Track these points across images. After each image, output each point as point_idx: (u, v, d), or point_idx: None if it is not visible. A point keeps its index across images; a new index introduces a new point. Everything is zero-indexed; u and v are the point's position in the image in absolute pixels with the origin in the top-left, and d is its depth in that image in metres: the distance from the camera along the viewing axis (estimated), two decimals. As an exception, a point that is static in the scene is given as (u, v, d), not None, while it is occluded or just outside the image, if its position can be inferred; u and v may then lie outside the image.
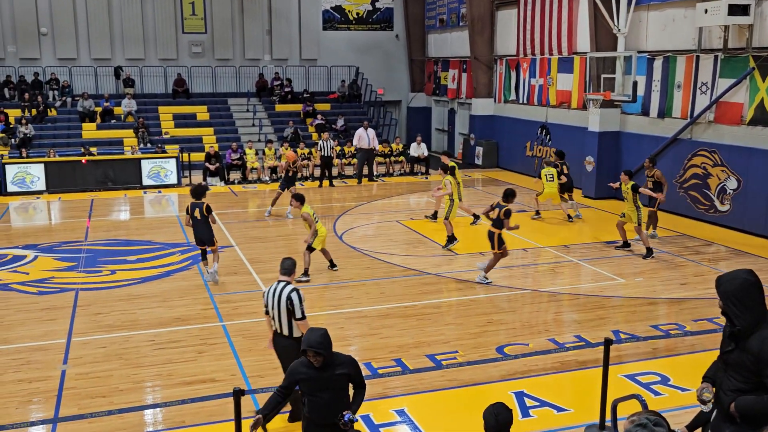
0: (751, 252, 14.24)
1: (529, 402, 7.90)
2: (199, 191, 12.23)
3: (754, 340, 4.53)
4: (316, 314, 10.68)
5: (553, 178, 17.14)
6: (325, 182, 22.32)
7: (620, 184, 14.27)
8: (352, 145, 24.41)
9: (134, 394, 8.11)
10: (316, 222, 12.50)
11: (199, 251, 12.65)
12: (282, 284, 7.42)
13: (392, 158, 24.80)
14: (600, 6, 18.19)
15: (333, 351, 5.46)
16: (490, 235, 12.20)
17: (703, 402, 4.81)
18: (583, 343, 9.56)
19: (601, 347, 7.28)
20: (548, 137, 22.88)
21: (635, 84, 17.28)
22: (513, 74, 24.92)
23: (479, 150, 26.28)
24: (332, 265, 13.01)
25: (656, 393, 8.08)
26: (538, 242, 15.08)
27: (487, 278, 12.26)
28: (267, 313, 7.41)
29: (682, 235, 15.69)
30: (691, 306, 11.11)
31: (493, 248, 12.18)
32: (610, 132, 19.45)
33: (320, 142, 22.57)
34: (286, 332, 7.32)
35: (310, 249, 12.51)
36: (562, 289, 12.07)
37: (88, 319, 10.47)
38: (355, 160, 24.32)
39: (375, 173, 23.65)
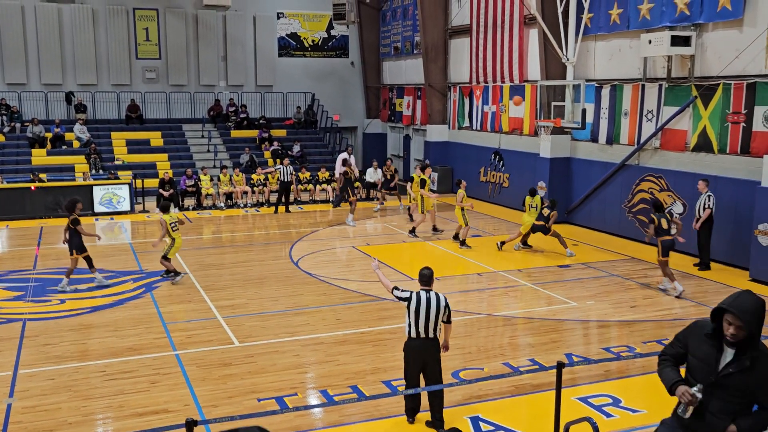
0: (698, 275, 14.63)
1: (484, 426, 7.96)
2: (69, 206, 13.50)
3: (761, 363, 4.58)
4: (272, 341, 10.64)
5: (537, 208, 16.49)
6: (281, 208, 22.24)
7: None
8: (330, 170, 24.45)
9: (84, 427, 7.93)
10: (175, 231, 13.61)
11: (151, 279, 12.57)
12: (432, 293, 7.97)
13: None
14: (549, 36, 18.68)
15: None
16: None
17: (687, 409, 4.73)
18: (537, 367, 9.68)
19: (554, 370, 7.41)
20: (501, 163, 23.25)
21: (584, 111, 17.75)
22: (466, 101, 25.33)
23: (434, 176, 26.48)
24: (169, 275, 13.83)
25: (608, 415, 8.22)
26: (493, 266, 15.27)
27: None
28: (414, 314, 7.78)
29: (632, 258, 16.06)
30: (641, 328, 11.35)
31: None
32: (561, 158, 19.88)
33: (280, 167, 22.52)
34: (432, 335, 7.85)
35: (166, 258, 13.64)
36: (516, 313, 12.22)
37: (36, 350, 10.22)
38: (311, 186, 24.39)
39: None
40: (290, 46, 31.05)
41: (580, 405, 8.44)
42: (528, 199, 16.73)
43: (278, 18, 30.68)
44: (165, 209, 14.05)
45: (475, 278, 14.52)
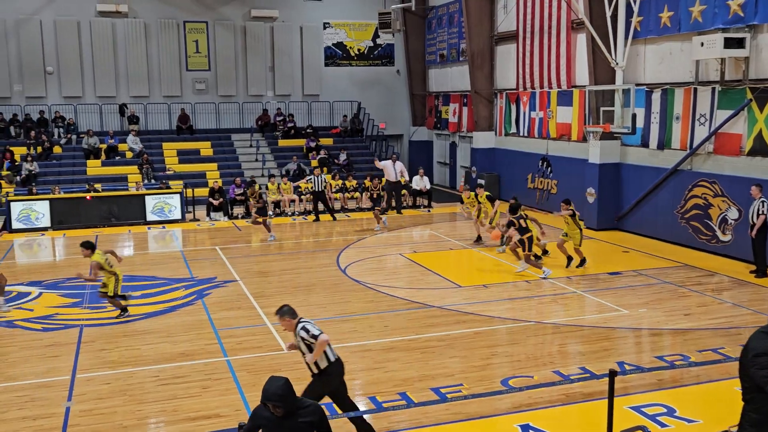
0: (754, 282, 14.24)
1: (534, 435, 7.88)
2: None
3: None
4: (321, 348, 10.68)
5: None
6: (311, 216, 22.37)
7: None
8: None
9: (138, 430, 8.10)
10: (111, 267, 12.19)
11: (202, 287, 12.74)
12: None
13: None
14: (597, 40, 18.45)
15: (298, 397, 5.32)
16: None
17: None
18: (588, 375, 9.53)
19: (606, 379, 7.29)
20: (549, 169, 23.02)
21: (634, 116, 17.45)
22: (513, 107, 25.17)
23: (481, 183, 26.38)
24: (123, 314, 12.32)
25: (662, 425, 8.05)
26: (542, 274, 15.09)
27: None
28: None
29: (685, 265, 15.71)
30: (695, 336, 11.09)
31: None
32: (610, 164, 19.58)
33: (312, 177, 22.74)
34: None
35: (114, 296, 12.22)
36: (565, 321, 12.06)
37: (93, 355, 10.48)
38: (357, 194, 24.55)
39: (401, 206, 23.51)
40: (336, 55, 31.32)
41: (633, 414, 8.28)
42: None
43: (324, 28, 30.98)
44: (91, 247, 12.40)
45: (523, 285, 14.38)
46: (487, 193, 19.33)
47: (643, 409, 8.43)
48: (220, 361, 10.22)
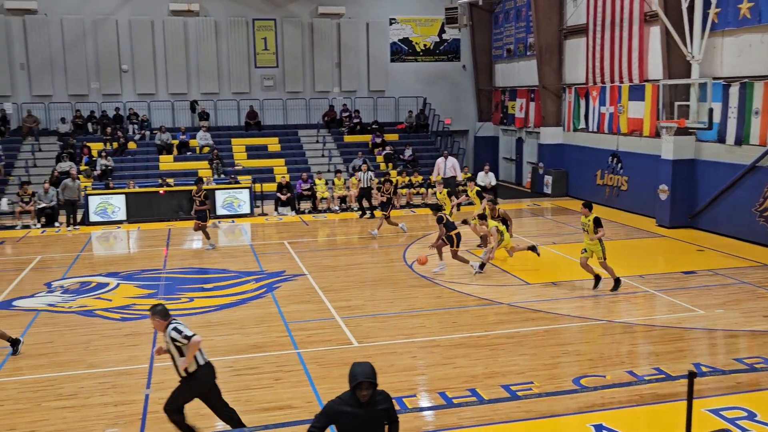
0: (840, 283, 13.65)
1: (608, 435, 7.75)
2: None
3: None
4: (388, 342, 10.77)
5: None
6: (355, 214, 22.42)
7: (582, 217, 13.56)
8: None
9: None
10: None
11: (271, 280, 12.96)
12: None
13: (460, 187, 24.79)
14: (673, 33, 17.92)
15: None
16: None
17: None
18: (663, 376, 9.32)
19: (682, 380, 7.12)
20: (620, 165, 22.53)
21: (711, 111, 16.91)
22: (582, 102, 24.71)
23: (548, 179, 26.06)
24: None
25: (743, 429, 7.79)
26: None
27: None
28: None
29: (764, 265, 15.16)
30: (777, 339, 10.71)
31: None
32: (684, 160, 19.03)
33: (359, 173, 22.86)
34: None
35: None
36: (637, 320, 11.80)
37: (169, 344, 10.77)
38: (423, 189, 24.57)
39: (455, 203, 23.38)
40: (402, 51, 31.34)
41: (711, 417, 8.05)
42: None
43: (390, 24, 31.04)
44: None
45: (593, 283, 14.11)
46: (477, 188, 19.35)
47: (721, 412, 8.19)
48: (291, 353, 10.39)
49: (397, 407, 5.47)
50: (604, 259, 13.22)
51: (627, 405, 8.52)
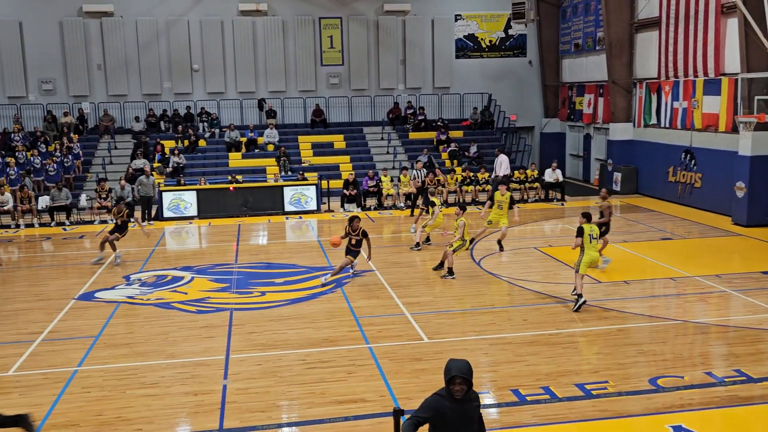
0: None
1: (688, 437, 7.58)
2: None
3: None
4: (460, 339, 10.77)
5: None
6: (416, 210, 22.31)
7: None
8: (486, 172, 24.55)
9: (292, 410, 8.48)
10: None
11: (342, 275, 13.10)
12: None
13: (527, 184, 24.59)
14: (753, 24, 17.33)
15: None
16: None
17: None
18: (744, 378, 9.05)
19: (765, 383, 6.92)
20: (693, 162, 21.92)
21: (793, 105, 16.31)
22: (654, 97, 24.12)
23: (617, 176, 25.55)
24: None
25: (832, 434, 7.52)
26: (687, 271, 14.43)
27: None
28: None
29: None
30: None
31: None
32: (763, 156, 18.38)
33: (414, 171, 22.87)
34: None
35: None
36: (714, 321, 11.48)
37: (243, 337, 11.05)
38: (489, 187, 24.40)
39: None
40: (467, 47, 31.18)
41: (797, 422, 7.79)
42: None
43: (456, 20, 30.92)
44: None
45: (668, 283, 13.81)
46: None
47: (809, 417, 7.91)
48: (362, 347, 10.49)
49: (480, 401, 5.46)
50: (576, 271, 12.24)
51: (707, 407, 8.31)
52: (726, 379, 9.06)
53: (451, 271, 14.32)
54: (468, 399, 5.19)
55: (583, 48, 28.73)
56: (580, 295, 12.09)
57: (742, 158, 18.77)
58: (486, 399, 8.64)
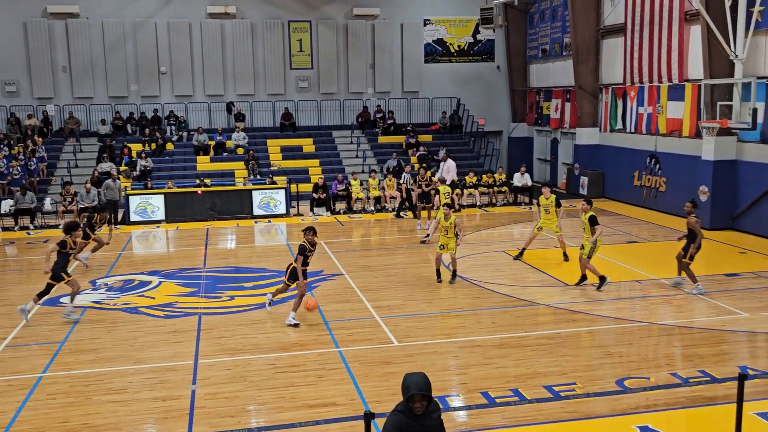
0: None
1: (655, 437, 7.70)
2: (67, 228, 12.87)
3: None
4: (430, 342, 10.81)
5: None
6: (410, 213, 22.46)
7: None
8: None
9: (262, 415, 8.43)
10: None
11: (310, 279, 13.02)
12: None
13: (495, 188, 24.78)
14: (715, 32, 17.70)
15: None
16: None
17: None
18: (708, 378, 9.23)
19: (728, 383, 7.06)
20: (658, 166, 22.29)
21: (755, 111, 16.67)
22: (620, 103, 24.50)
23: (584, 180, 25.88)
24: None
25: (793, 433, 7.70)
26: (653, 274, 14.67)
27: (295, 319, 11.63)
28: None
29: (809, 268, 14.90)
30: (825, 343, 10.53)
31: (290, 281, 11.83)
32: (725, 161, 18.78)
33: (405, 175, 22.99)
34: None
35: None
36: (679, 323, 11.69)
37: (212, 342, 10.96)
38: (457, 191, 24.51)
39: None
40: (436, 51, 31.35)
41: (760, 421, 7.95)
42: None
43: (425, 24, 31.07)
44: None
45: (634, 285, 14.02)
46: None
47: (770, 416, 8.09)
48: (332, 351, 10.48)
49: (440, 406, 5.43)
50: (588, 258, 13.33)
51: (673, 407, 8.45)
52: (690, 380, 9.23)
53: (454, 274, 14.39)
54: (428, 413, 4.94)
55: (550, 53, 29.07)
56: (603, 277, 13.37)
57: (705, 163, 19.14)
58: (455, 402, 8.69)
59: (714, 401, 8.56)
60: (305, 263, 11.88)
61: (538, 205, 16.34)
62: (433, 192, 19.83)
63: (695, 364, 9.86)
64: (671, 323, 11.67)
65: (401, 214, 22.60)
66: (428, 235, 18.35)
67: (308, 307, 11.56)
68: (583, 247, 13.60)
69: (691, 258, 13.17)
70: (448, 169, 23.65)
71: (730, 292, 13.30)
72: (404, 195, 22.76)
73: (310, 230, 11.94)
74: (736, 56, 17.52)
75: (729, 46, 17.62)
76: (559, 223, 16.08)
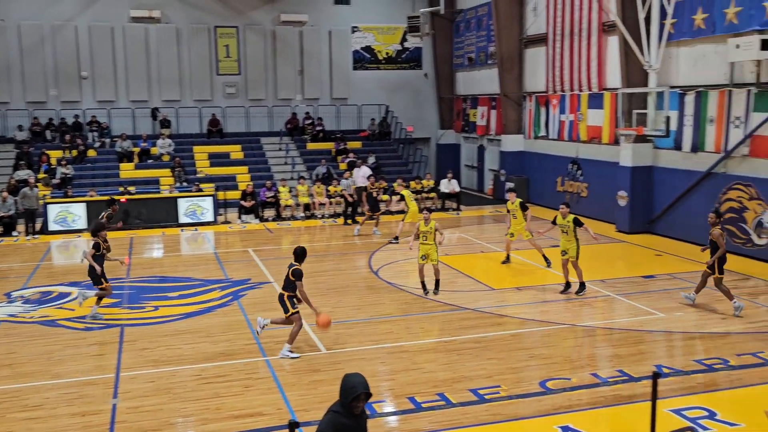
0: (792, 286, 14.11)
1: (575, 436, 7.92)
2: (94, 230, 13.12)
3: None
4: (357, 349, 10.83)
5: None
6: (350, 219, 22.49)
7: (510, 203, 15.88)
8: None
9: (184, 427, 8.27)
10: None
11: (237, 288, 12.88)
12: None
13: (423, 194, 25.02)
14: (630, 43, 18.39)
15: None
16: (280, 298, 10.59)
17: None
18: (626, 378, 9.55)
19: (645, 381, 7.33)
20: (579, 172, 22.96)
21: (668, 119, 17.38)
22: (543, 110, 25.14)
23: (510, 186, 26.37)
24: None
25: (704, 428, 8.04)
26: (574, 276, 15.07)
27: (292, 351, 10.43)
28: None
29: (720, 269, 15.59)
30: (734, 341, 11.03)
31: (285, 312, 10.51)
32: (642, 166, 19.49)
33: (347, 181, 22.94)
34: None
35: None
36: (600, 324, 12.06)
37: (135, 354, 10.69)
38: (386, 197, 24.61)
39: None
40: (364, 59, 31.48)
41: (674, 417, 8.28)
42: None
43: (353, 32, 31.16)
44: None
45: (556, 288, 14.37)
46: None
47: (683, 412, 8.43)
48: (259, 360, 10.37)
49: (367, 413, 5.50)
50: (576, 259, 13.54)
51: (592, 407, 8.71)
52: (610, 380, 9.53)
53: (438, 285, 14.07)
54: (362, 412, 5.17)
55: (476, 62, 29.60)
56: (582, 284, 13.52)
57: (623, 169, 19.83)
58: (383, 407, 8.73)
59: (632, 399, 8.86)
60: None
61: (507, 210, 16.62)
62: (396, 198, 20.23)
63: (615, 364, 10.19)
64: (593, 325, 12.03)
65: (348, 221, 22.44)
66: (396, 237, 18.73)
67: (324, 324, 10.31)
68: (564, 253, 13.64)
69: (721, 272, 12.23)
70: (362, 174, 23.42)
71: (647, 294, 13.80)
72: (350, 200, 22.54)
73: (304, 254, 10.75)
74: (651, 66, 18.23)
75: (644, 56, 18.32)
76: (528, 226, 16.23)
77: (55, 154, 25.68)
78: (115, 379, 9.71)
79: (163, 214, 22.19)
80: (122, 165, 26.28)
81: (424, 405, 8.75)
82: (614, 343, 11.08)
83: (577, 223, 13.66)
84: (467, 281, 14.95)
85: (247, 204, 22.91)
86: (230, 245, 19.88)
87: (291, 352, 10.43)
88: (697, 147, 17.82)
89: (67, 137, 26.43)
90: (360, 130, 30.91)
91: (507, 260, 16.56)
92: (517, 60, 26.12)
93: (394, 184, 23.08)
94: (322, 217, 23.56)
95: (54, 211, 21.25)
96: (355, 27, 31.17)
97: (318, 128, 29.56)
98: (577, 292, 13.66)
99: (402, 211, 21.22)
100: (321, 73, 30.76)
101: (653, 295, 13.71)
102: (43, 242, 19.98)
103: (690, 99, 17.91)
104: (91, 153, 26.74)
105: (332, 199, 23.95)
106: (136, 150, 26.80)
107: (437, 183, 25.59)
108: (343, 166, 27.71)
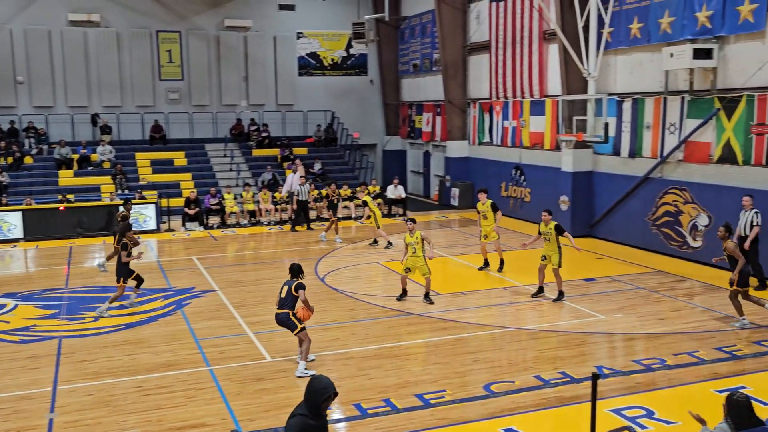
0: (724, 287, 14.56)
1: (518, 438, 8.02)
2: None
3: None
4: (304, 357, 10.74)
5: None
6: (302, 227, 22.36)
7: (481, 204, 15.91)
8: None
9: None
10: None
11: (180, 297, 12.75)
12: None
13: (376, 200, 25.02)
14: (570, 51, 18.80)
15: None
16: (285, 318, 10.18)
17: None
18: (568, 379, 9.72)
19: (586, 382, 7.47)
20: (523, 177, 23.33)
21: (606, 125, 17.82)
22: (486, 117, 25.48)
23: (455, 191, 26.68)
24: None
25: (642, 427, 8.24)
26: (518, 281, 15.31)
27: (308, 369, 10.00)
28: None
29: (657, 271, 16.04)
30: (670, 341, 11.35)
31: (293, 330, 10.11)
32: (583, 172, 19.93)
33: (298, 186, 22.70)
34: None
35: None
36: (543, 327, 12.26)
37: (73, 366, 10.41)
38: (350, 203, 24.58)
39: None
40: (310, 65, 31.41)
41: (613, 417, 8.46)
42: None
43: (298, 38, 31.06)
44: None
45: (500, 293, 14.57)
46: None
47: (622, 412, 8.62)
48: (203, 370, 10.22)
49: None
50: (559, 266, 13.61)
51: (535, 408, 8.84)
52: (552, 381, 9.69)
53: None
54: (325, 414, 5.24)
55: (421, 68, 29.83)
56: (562, 293, 13.59)
57: (564, 174, 20.23)
58: (330, 414, 8.65)
59: (574, 400, 9.02)
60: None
61: (478, 212, 16.54)
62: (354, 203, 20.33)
63: (557, 366, 10.36)
64: (536, 328, 12.22)
65: (296, 228, 22.30)
66: (390, 243, 19.19)
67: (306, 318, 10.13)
68: (544, 258, 13.73)
69: (745, 285, 11.83)
70: (290, 181, 23.22)
71: (588, 296, 14.10)
72: (295, 206, 22.37)
73: (300, 269, 10.40)
74: (590, 74, 18.67)
75: (583, 64, 18.75)
76: (497, 227, 16.23)
77: (-11, 162, 24.86)
78: (52, 392, 9.43)
79: (104, 223, 21.66)
80: (61, 172, 25.60)
81: (369, 411, 8.75)
82: (557, 346, 11.27)
83: (559, 231, 13.71)
84: (413, 286, 14.97)
85: (191, 211, 22.57)
86: (174, 253, 19.54)
87: (308, 370, 9.98)
88: (635, 152, 18.31)
89: (2, 144, 25.62)
90: (306, 137, 30.80)
91: (486, 266, 16.35)
92: (461, 67, 26.42)
93: (357, 190, 23.15)
94: (268, 224, 23.37)
95: (-12, 220, 20.57)
96: (300, 33, 31.08)
97: (263, 134, 29.34)
98: (555, 300, 13.70)
99: (360, 217, 21.47)
100: (266, 78, 30.56)
101: (594, 297, 14.01)
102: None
103: (627, 106, 18.41)
104: (28, 160, 25.98)
105: (278, 206, 23.78)
106: (76, 157, 26.15)
107: (383, 189, 25.66)
108: (288, 172, 27.52)
